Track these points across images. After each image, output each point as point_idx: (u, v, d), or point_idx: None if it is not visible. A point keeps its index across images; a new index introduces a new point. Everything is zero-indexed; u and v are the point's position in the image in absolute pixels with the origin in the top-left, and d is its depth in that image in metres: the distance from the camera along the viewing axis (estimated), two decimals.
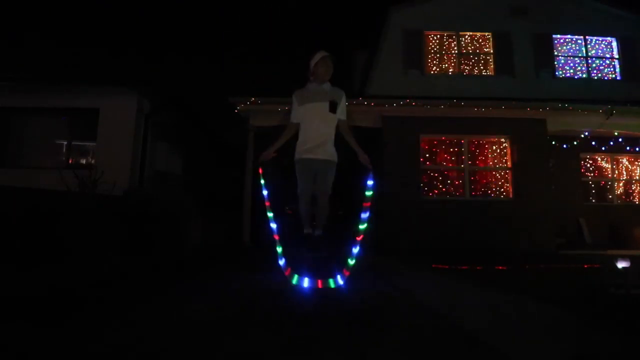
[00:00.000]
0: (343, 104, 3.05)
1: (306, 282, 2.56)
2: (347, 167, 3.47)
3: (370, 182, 2.75)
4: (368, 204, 2.72)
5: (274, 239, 2.79)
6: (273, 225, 2.81)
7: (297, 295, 2.40)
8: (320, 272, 2.89)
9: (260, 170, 3.02)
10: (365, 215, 2.71)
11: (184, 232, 6.20)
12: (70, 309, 1.93)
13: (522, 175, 7.60)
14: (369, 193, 2.74)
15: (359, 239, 2.70)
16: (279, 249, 2.78)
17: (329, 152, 3.00)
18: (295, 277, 2.65)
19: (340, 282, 2.62)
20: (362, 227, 2.70)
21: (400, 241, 7.02)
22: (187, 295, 2.39)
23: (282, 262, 2.76)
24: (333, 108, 2.95)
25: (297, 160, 3.04)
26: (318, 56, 2.99)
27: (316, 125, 2.95)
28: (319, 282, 2.60)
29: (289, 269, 2.73)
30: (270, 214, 2.84)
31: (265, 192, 2.95)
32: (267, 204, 2.89)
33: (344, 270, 2.67)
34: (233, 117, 8.08)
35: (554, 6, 9.14)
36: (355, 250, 2.68)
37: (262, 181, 3.00)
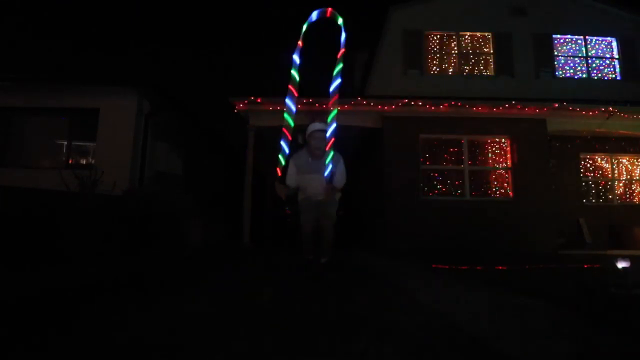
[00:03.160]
0: (341, 171, 3.15)
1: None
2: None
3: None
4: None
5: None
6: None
7: (296, 296, 2.40)
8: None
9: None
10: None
11: (184, 232, 6.20)
12: (68, 309, 1.93)
13: (522, 175, 7.60)
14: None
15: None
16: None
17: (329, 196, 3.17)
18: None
19: None
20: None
21: (400, 241, 7.01)
22: (187, 296, 2.39)
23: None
24: (330, 179, 3.05)
25: (300, 200, 3.24)
26: (310, 129, 3.12)
27: (315, 190, 3.11)
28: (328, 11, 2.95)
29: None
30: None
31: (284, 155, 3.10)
32: (278, 171, 3.09)
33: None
34: (233, 117, 8.08)
35: (554, 6, 9.15)
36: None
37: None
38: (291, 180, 3.15)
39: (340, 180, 3.12)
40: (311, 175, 3.09)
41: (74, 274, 3.15)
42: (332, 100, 3.08)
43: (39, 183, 5.00)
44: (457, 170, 7.82)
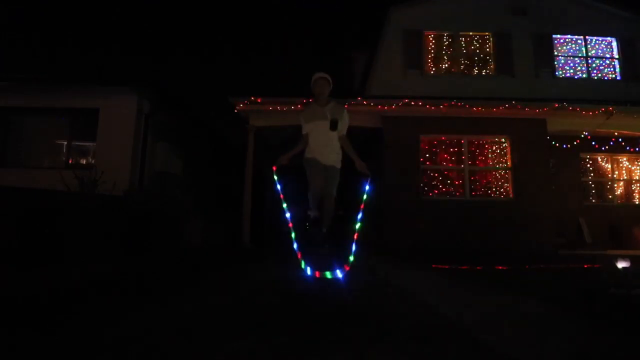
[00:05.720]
0: (344, 120, 3.42)
1: (308, 271, 2.93)
2: (345, 171, 3.69)
3: (367, 187, 3.31)
4: (362, 206, 3.22)
5: (289, 227, 3.22)
6: (287, 215, 3.23)
7: (296, 296, 2.40)
8: (321, 265, 3.16)
9: (275, 168, 3.48)
10: (359, 216, 3.18)
11: (183, 232, 6.20)
12: (67, 309, 1.93)
13: (522, 175, 7.60)
14: (364, 197, 3.28)
15: (355, 237, 3.16)
16: (293, 235, 3.18)
17: (333, 159, 3.46)
18: (303, 263, 3.03)
19: (340, 275, 2.87)
20: (357, 226, 3.19)
21: (401, 241, 7.01)
22: (186, 296, 2.39)
23: (295, 245, 3.14)
24: (334, 126, 3.33)
25: (306, 160, 3.49)
26: (314, 77, 3.45)
27: (320, 140, 3.40)
28: (317, 273, 2.91)
29: (299, 254, 3.10)
30: (284, 205, 3.27)
31: (279, 187, 3.37)
32: (281, 196, 3.31)
33: (345, 266, 2.98)
34: (233, 117, 8.08)
35: (554, 6, 9.14)
36: (353, 247, 3.10)
37: (276, 177, 3.46)
38: (305, 128, 3.46)
39: (343, 128, 3.43)
40: (315, 122, 3.38)
41: (72, 274, 3.15)
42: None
43: (39, 183, 5.00)
44: (457, 170, 7.83)
